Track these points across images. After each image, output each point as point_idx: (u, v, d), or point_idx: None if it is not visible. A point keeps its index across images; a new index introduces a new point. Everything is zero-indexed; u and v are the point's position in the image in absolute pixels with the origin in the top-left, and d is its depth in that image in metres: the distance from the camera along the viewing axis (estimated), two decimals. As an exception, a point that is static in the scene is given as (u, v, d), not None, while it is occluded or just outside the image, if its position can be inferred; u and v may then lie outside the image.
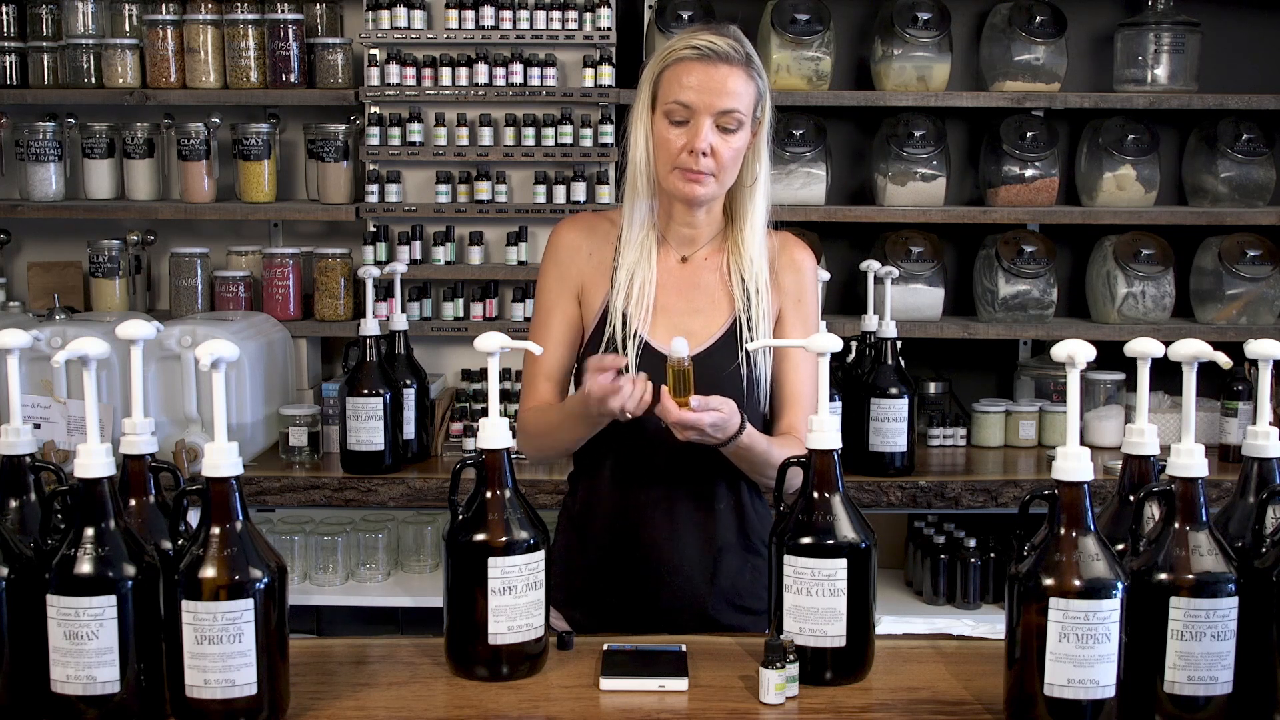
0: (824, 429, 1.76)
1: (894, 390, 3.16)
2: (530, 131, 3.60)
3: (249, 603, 1.56)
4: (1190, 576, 1.59)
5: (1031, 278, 3.63)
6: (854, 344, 3.32)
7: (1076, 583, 1.56)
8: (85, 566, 1.56)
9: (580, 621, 2.18)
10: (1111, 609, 1.56)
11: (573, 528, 2.24)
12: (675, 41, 2.10)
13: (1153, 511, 1.68)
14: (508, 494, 1.76)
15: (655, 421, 2.02)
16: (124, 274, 3.72)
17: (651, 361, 2.10)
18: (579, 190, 3.61)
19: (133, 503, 1.72)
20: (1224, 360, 1.69)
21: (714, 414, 1.96)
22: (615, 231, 2.20)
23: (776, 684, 1.69)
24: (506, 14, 3.58)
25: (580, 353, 2.21)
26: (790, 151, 3.59)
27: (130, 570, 1.57)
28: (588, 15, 3.57)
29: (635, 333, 2.12)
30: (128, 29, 3.70)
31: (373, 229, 3.66)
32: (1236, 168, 3.67)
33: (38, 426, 3.00)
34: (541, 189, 3.63)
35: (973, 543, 3.35)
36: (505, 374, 3.28)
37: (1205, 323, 3.67)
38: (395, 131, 3.62)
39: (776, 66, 3.56)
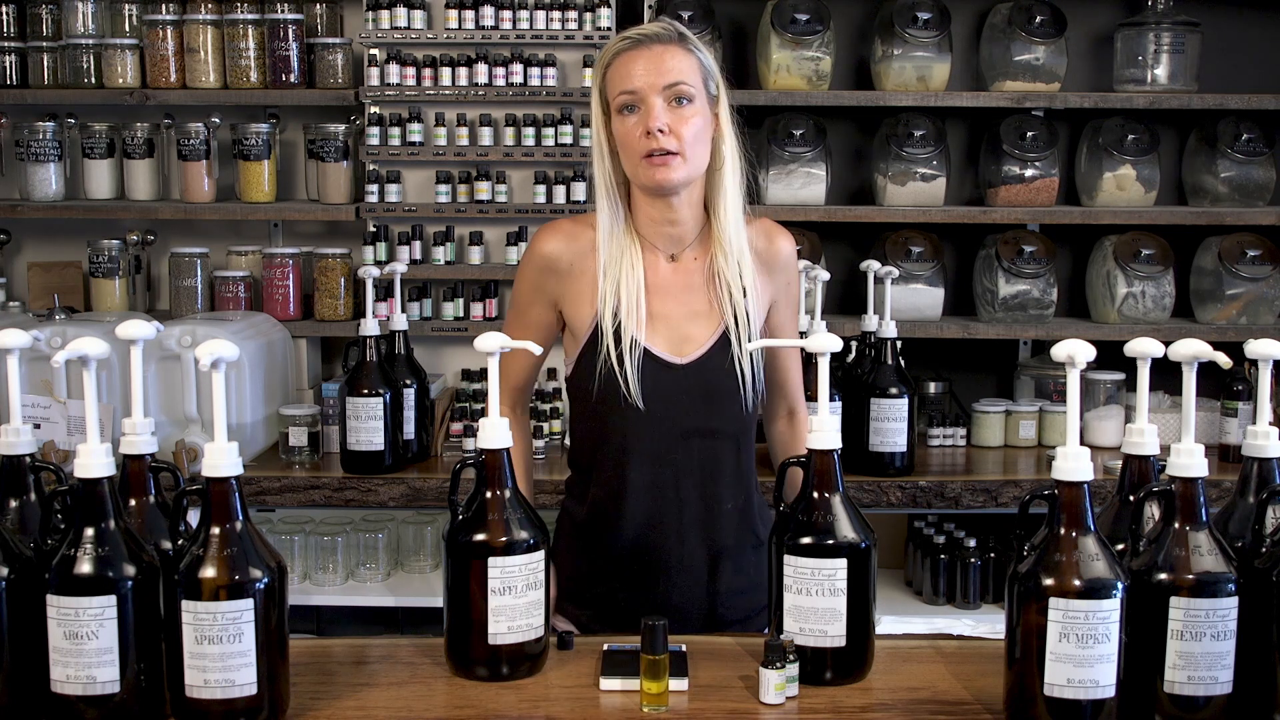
0: (824, 429, 1.76)
1: (894, 390, 3.15)
2: (530, 131, 3.59)
3: (249, 603, 1.56)
4: (1190, 576, 1.59)
5: (1031, 278, 3.63)
6: (854, 344, 3.32)
7: (1076, 583, 1.56)
8: (85, 566, 1.56)
9: (583, 621, 2.18)
10: (1111, 609, 1.56)
11: (574, 528, 2.24)
12: (609, 44, 2.14)
13: (1153, 511, 1.68)
14: (507, 494, 1.76)
15: (659, 420, 2.01)
16: (124, 274, 3.72)
17: (653, 370, 2.09)
18: (579, 190, 3.61)
19: (133, 503, 1.72)
20: (1224, 360, 1.69)
21: None
22: (597, 237, 2.18)
23: (776, 684, 1.69)
24: (506, 14, 3.58)
25: (576, 362, 2.17)
26: (790, 151, 3.59)
27: (130, 570, 1.57)
28: (588, 15, 3.57)
29: (634, 342, 2.09)
30: (128, 29, 3.69)
31: (373, 229, 3.66)
32: (1236, 168, 3.67)
33: (38, 426, 3.00)
34: (541, 189, 3.62)
35: (973, 543, 3.35)
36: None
37: (1205, 323, 3.67)
38: (395, 131, 3.61)
39: (776, 66, 3.56)
